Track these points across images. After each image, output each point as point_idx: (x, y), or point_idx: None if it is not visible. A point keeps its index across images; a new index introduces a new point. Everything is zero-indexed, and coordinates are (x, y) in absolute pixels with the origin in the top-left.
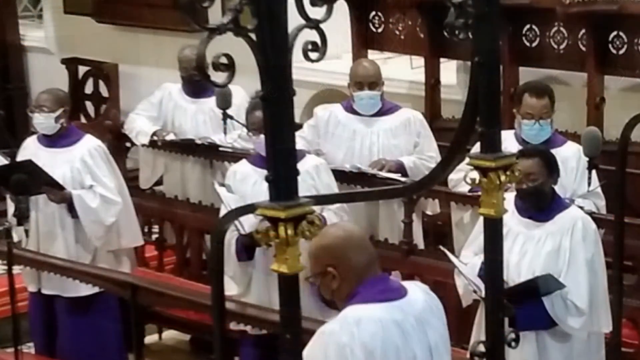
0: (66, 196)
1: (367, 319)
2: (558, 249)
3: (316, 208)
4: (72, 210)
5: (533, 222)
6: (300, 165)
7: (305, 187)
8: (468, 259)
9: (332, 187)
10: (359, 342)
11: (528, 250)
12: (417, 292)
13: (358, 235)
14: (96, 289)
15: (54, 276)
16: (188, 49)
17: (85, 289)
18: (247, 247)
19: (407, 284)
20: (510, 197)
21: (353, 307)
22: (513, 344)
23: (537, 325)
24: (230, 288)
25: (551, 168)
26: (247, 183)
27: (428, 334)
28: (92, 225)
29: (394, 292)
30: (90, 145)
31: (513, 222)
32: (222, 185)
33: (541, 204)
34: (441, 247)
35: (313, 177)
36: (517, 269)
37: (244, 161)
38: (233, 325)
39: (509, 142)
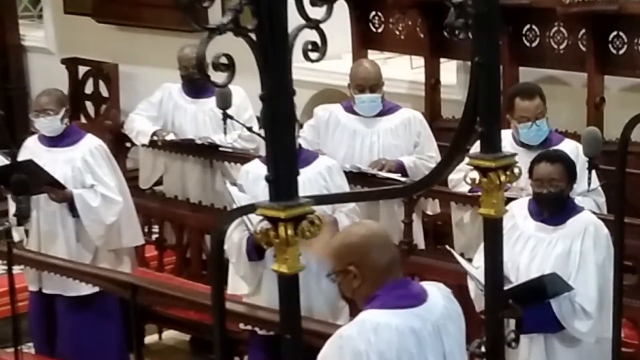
0: (67, 195)
1: (384, 326)
2: (568, 252)
3: (327, 209)
4: (73, 209)
5: (545, 225)
6: (313, 167)
7: (317, 188)
8: (480, 263)
9: (344, 188)
10: (375, 350)
11: (538, 253)
12: (438, 297)
13: (382, 236)
14: (97, 289)
15: (54, 275)
16: (188, 47)
17: (86, 288)
18: (257, 247)
19: (429, 287)
20: (524, 202)
21: (371, 311)
22: (513, 344)
23: (545, 328)
24: (241, 287)
25: (571, 174)
26: (259, 184)
27: (444, 341)
28: (92, 224)
29: (413, 298)
30: (91, 144)
31: (526, 226)
32: (234, 184)
33: (558, 208)
34: (452, 251)
35: (325, 178)
36: (527, 270)
37: (256, 161)
38: (242, 326)
39: (506, 141)
